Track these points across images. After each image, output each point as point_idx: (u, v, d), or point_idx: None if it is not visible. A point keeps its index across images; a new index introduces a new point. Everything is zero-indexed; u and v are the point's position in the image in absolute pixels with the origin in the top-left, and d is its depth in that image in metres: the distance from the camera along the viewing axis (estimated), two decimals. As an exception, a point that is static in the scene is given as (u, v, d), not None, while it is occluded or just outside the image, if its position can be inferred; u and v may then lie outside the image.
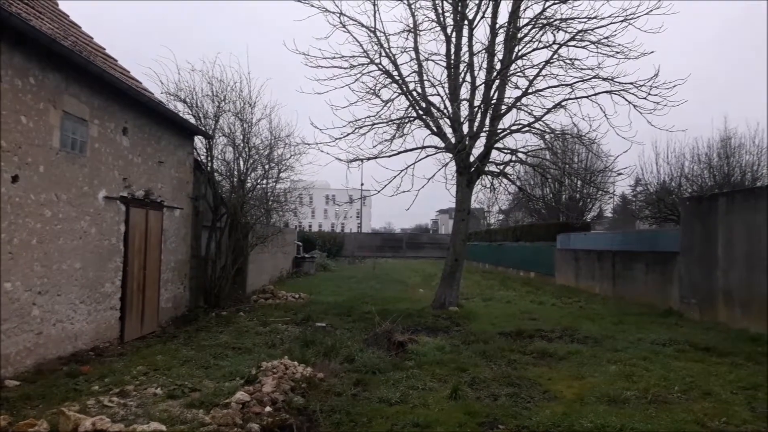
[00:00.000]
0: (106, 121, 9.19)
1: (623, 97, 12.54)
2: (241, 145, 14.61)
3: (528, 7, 13.55)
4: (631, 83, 12.41)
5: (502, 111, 13.94)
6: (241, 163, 14.70)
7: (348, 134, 13.32)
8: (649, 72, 12.12)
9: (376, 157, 13.73)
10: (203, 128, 13.84)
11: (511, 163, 14.90)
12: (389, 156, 13.90)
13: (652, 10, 11.93)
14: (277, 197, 18.43)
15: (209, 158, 14.27)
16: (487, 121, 13.97)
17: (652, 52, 12.55)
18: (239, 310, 13.43)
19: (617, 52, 12.60)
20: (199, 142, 14.17)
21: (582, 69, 12.93)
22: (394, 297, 16.85)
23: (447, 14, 13.72)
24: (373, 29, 13.50)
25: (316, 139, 13.51)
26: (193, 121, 13.76)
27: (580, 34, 12.78)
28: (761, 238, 11.05)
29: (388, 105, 13.70)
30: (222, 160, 15.03)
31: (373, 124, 13.54)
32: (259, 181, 15.83)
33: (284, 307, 14.22)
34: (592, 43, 12.72)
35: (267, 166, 15.69)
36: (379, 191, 13.65)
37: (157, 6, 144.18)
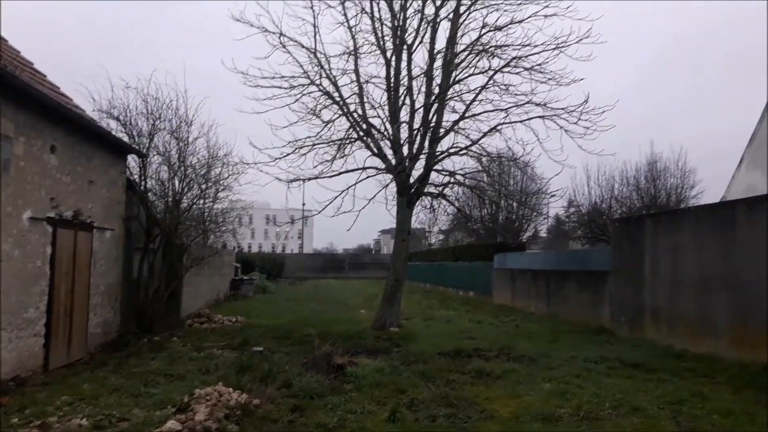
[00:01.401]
0: (32, 138, 8.78)
1: (555, 122, 13.03)
2: (177, 164, 14.26)
3: (465, 34, 13.95)
4: (562, 109, 12.91)
5: (441, 134, 14.21)
6: (177, 182, 14.34)
7: (288, 154, 13.25)
8: (580, 98, 12.67)
9: (316, 178, 13.69)
10: (137, 147, 13.45)
11: (450, 185, 15.18)
12: (330, 176, 13.89)
13: (581, 39, 12.50)
14: (215, 218, 18.04)
15: (143, 177, 13.86)
16: (427, 144, 14.20)
17: (582, 79, 13.13)
18: (173, 335, 12.97)
19: (549, 79, 13.13)
20: (132, 161, 13.76)
21: (516, 94, 13.39)
22: (335, 319, 16.70)
23: (387, 38, 13.95)
24: (313, 50, 13.57)
25: (256, 159, 13.27)
26: (126, 139, 13.35)
27: (515, 61, 13.23)
28: (684, 258, 11.63)
29: (328, 126, 13.74)
30: (157, 179, 14.65)
31: (314, 144, 13.52)
32: (195, 201, 15.48)
33: (220, 332, 13.84)
34: (526, 69, 13.20)
35: (204, 186, 15.37)
36: (319, 212, 13.60)
37: (89, 20, 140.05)
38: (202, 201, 16.09)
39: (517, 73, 13.35)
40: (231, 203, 19.80)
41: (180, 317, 15.69)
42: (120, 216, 12.49)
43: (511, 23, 13.27)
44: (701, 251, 11.17)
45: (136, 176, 13.82)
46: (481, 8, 13.61)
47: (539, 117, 13.21)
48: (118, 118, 13.61)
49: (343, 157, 13.89)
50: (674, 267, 11.94)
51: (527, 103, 13.26)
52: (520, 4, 13.15)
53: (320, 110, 13.62)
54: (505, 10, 13.33)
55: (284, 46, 13.35)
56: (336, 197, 13.22)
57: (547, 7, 12.77)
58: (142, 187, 13.74)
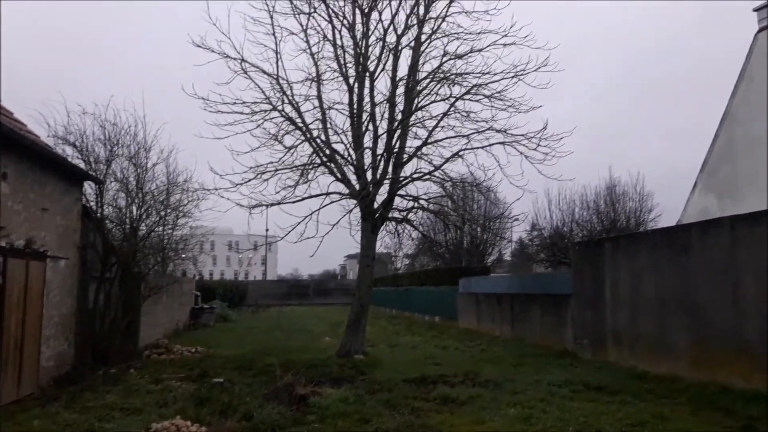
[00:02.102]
0: (-20, 165, 8.48)
1: (515, 148, 13.25)
2: (135, 190, 13.98)
3: (426, 62, 14.16)
4: (522, 135, 13.15)
5: (404, 159, 14.30)
6: (134, 209, 14.04)
7: (250, 180, 13.11)
8: (540, 125, 12.95)
9: (279, 203, 13.56)
10: (94, 173, 13.14)
11: (414, 210, 15.21)
12: (293, 202, 13.78)
13: (539, 67, 12.81)
14: (175, 245, 17.70)
15: (99, 205, 13.52)
16: (390, 169, 14.25)
17: (540, 106, 13.42)
18: (130, 367, 12.55)
19: (509, 106, 13.38)
20: (89, 187, 13.43)
21: (477, 121, 13.60)
22: (299, 347, 16.42)
23: (349, 65, 14.05)
24: (276, 77, 13.55)
25: (216, 185, 13.08)
26: (82, 165, 13.04)
27: (475, 89, 13.46)
28: (643, 280, 11.86)
29: (291, 151, 13.68)
30: (114, 206, 14.32)
31: (276, 169, 13.42)
32: (153, 228, 15.17)
33: (179, 363, 13.45)
34: (486, 97, 13.43)
35: (163, 213, 15.09)
36: (282, 238, 13.46)
37: (46, 43, 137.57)
38: (161, 228, 15.81)
39: (477, 101, 13.59)
40: (191, 230, 19.49)
41: (137, 348, 15.22)
42: (75, 244, 12.12)
43: (471, 52, 13.55)
44: (659, 274, 11.41)
45: (92, 203, 13.48)
46: (442, 37, 13.87)
47: (500, 143, 13.43)
48: (74, 144, 13.33)
49: (306, 182, 13.83)
50: (633, 289, 12.16)
51: (488, 129, 13.49)
52: (479, 33, 13.44)
53: (282, 136, 13.59)
54: (465, 39, 13.61)
55: (246, 72, 13.34)
56: (299, 223, 13.11)
57: (505, 36, 13.08)
58: (98, 215, 13.38)
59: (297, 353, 14.46)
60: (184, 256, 22.46)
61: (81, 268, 12.44)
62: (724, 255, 9.77)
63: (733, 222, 9.76)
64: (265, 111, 13.36)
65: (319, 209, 13.41)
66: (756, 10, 14.94)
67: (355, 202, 14.01)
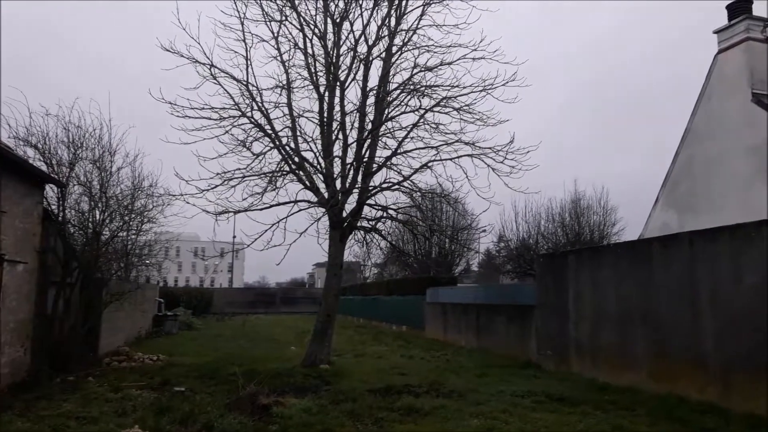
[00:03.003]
0: (-66, 165, 8.21)
1: (483, 161, 13.41)
2: (98, 194, 13.70)
3: (397, 73, 14.26)
4: (489, 148, 13.31)
5: (374, 169, 14.33)
6: (97, 213, 13.74)
7: (216, 186, 12.96)
8: (507, 138, 13.15)
9: (246, 210, 13.42)
10: (56, 176, 12.83)
11: (383, 219, 15.23)
12: (261, 209, 13.64)
13: (507, 82, 13.01)
14: (139, 251, 17.39)
15: (61, 208, 13.19)
16: (360, 178, 14.27)
17: (507, 120, 13.65)
18: (88, 375, 12.25)
19: (477, 119, 13.55)
20: (51, 191, 13.12)
21: (446, 133, 13.73)
22: (264, 356, 16.23)
23: (320, 74, 14.05)
24: (245, 83, 13.47)
25: (182, 191, 12.91)
26: (44, 168, 12.72)
27: (444, 101, 13.61)
28: (605, 292, 12.09)
29: (259, 158, 13.58)
30: (77, 210, 14.00)
31: (244, 176, 13.30)
32: (117, 233, 14.87)
33: (140, 371, 13.17)
34: (455, 109, 13.58)
35: (127, 218, 14.81)
36: (248, 245, 13.31)
37: (9, 43, 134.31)
38: (125, 233, 15.51)
39: (446, 113, 13.73)
40: (156, 235, 19.17)
41: (98, 355, 14.89)
42: (34, 248, 11.80)
43: (441, 64, 13.70)
44: (621, 286, 11.65)
45: (54, 207, 13.16)
46: (413, 49, 14.01)
47: (468, 155, 13.57)
48: (36, 146, 12.98)
49: (274, 189, 13.73)
50: (596, 302, 12.38)
51: (456, 141, 13.61)
52: (449, 46, 13.60)
53: (251, 143, 13.49)
54: (435, 52, 13.77)
55: (215, 78, 13.21)
56: (266, 231, 12.99)
57: (475, 50, 13.26)
58: (60, 218, 13.06)
59: (261, 362, 14.30)
60: (148, 262, 22.09)
61: (40, 273, 12.12)
62: (682, 269, 10.04)
63: (692, 237, 10.04)
64: (234, 117, 13.27)
65: (286, 217, 13.33)
66: (716, 32, 15.46)
67: (323, 210, 13.98)
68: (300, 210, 13.85)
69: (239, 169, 13.27)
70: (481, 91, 13.28)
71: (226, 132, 13.20)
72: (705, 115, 15.74)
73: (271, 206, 13.63)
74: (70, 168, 13.31)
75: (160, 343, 20.61)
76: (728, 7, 15.27)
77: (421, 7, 14.00)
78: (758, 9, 15.07)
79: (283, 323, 34.49)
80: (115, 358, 14.97)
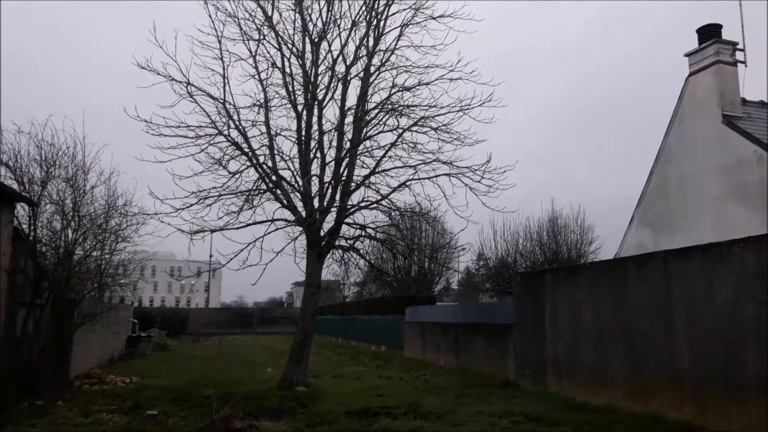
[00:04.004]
0: None
1: (460, 180, 13.48)
2: (71, 213, 13.45)
3: (375, 93, 14.33)
4: (467, 167, 13.40)
5: (352, 188, 14.31)
6: (70, 233, 13.49)
7: (191, 205, 12.81)
8: (484, 157, 13.26)
9: (222, 229, 13.26)
10: (27, 194, 12.60)
11: (361, 238, 15.18)
12: (237, 228, 13.49)
13: (484, 103, 13.15)
14: (113, 270, 17.08)
15: (32, 227, 12.93)
16: (338, 197, 14.22)
17: (485, 140, 13.75)
18: (58, 399, 11.91)
19: (455, 139, 13.67)
20: (22, 209, 12.85)
21: (424, 152, 13.80)
22: (239, 378, 15.95)
23: (298, 93, 14.06)
24: (222, 101, 13.40)
25: (157, 209, 12.73)
26: (16, 186, 12.49)
27: (422, 121, 13.70)
28: (582, 311, 12.13)
29: (236, 177, 13.48)
30: (48, 229, 13.73)
31: (220, 195, 13.18)
32: (90, 252, 14.60)
33: (111, 394, 12.85)
34: (433, 129, 13.68)
35: (100, 237, 14.56)
36: (223, 265, 13.15)
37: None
38: (98, 252, 15.23)
39: (424, 132, 13.82)
40: (131, 255, 18.87)
41: (68, 378, 14.50)
42: (3, 269, 11.50)
43: (419, 85, 13.80)
44: (597, 305, 11.71)
45: (25, 226, 12.89)
46: (391, 69, 14.10)
47: (446, 175, 13.63)
48: (6, 164, 12.78)
49: (251, 208, 13.62)
50: (573, 321, 12.41)
51: (434, 161, 13.69)
52: (427, 67, 13.73)
53: (227, 161, 13.39)
54: (413, 72, 13.88)
55: (191, 96, 13.13)
56: (241, 250, 12.83)
57: (452, 71, 13.40)
58: (31, 238, 12.80)
59: (237, 384, 14.04)
60: (122, 281, 21.69)
61: (9, 294, 11.80)
62: (657, 288, 10.12)
63: (666, 256, 10.15)
64: (210, 135, 13.17)
65: (263, 236, 13.20)
66: (687, 55, 15.82)
67: (300, 229, 13.88)
68: (277, 229, 13.75)
69: (215, 187, 13.16)
70: (458, 111, 13.40)
71: (202, 150, 13.10)
72: (678, 135, 16.04)
73: (248, 225, 13.51)
74: (42, 186, 13.09)
75: (133, 365, 20.18)
76: (698, 31, 15.65)
77: (399, 28, 14.16)
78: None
79: (260, 344, 34.02)
80: (86, 381, 14.59)
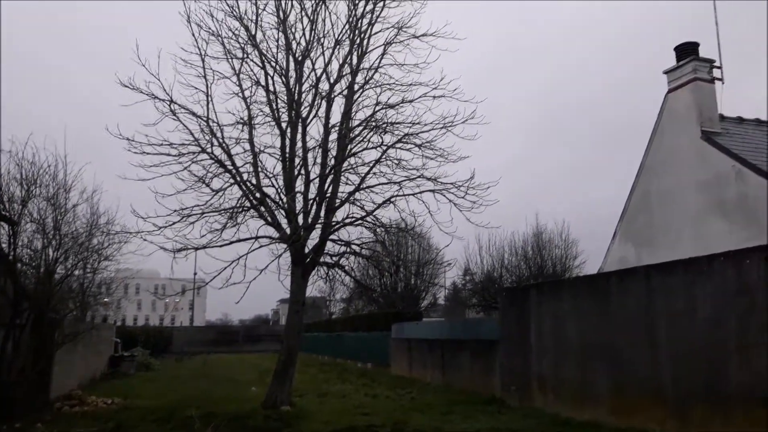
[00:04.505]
0: None
1: (445, 196, 13.51)
2: (52, 232, 13.31)
3: (359, 110, 14.38)
4: (451, 183, 13.44)
5: (336, 204, 14.31)
6: (51, 252, 13.33)
7: (174, 223, 12.71)
8: (468, 173, 13.36)
9: (205, 247, 13.16)
10: (7, 213, 12.46)
11: (346, 255, 15.14)
12: (220, 246, 13.40)
13: (467, 120, 13.24)
14: (96, 289, 16.90)
15: (12, 246, 12.76)
16: (322, 214, 14.20)
17: (468, 156, 13.84)
18: (37, 421, 11.68)
19: (439, 155, 13.71)
20: (2, 228, 12.70)
21: (408, 169, 13.83)
22: (224, 397, 15.76)
23: (282, 110, 14.07)
24: (206, 119, 13.38)
25: (140, 227, 12.63)
26: (-5, 205, 12.35)
27: (406, 137, 13.74)
28: (566, 327, 12.17)
29: (219, 194, 13.42)
30: (29, 248, 13.55)
31: (203, 212, 13.09)
32: (71, 272, 14.43)
33: (93, 415, 12.63)
34: (417, 146, 13.73)
35: (81, 256, 14.41)
36: (206, 283, 13.03)
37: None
38: (80, 271, 15.08)
39: (408, 149, 13.85)
40: (115, 273, 18.69)
41: (49, 400, 14.23)
42: (-19, 289, 11.33)
43: (402, 102, 13.87)
44: (581, 320, 11.75)
45: (5, 245, 12.73)
46: (375, 87, 14.18)
47: (430, 191, 13.67)
48: (-15, 183, 12.62)
49: (235, 225, 13.55)
50: (557, 336, 12.44)
51: (419, 177, 13.72)
52: (410, 85, 13.82)
53: (211, 179, 13.33)
54: (396, 90, 13.96)
55: (175, 114, 13.09)
56: (225, 268, 12.72)
57: (435, 88, 13.49)
58: (11, 257, 12.63)
59: (220, 404, 13.87)
60: (106, 300, 21.43)
61: (-14, 315, 11.62)
62: (640, 303, 10.19)
63: (648, 271, 10.24)
64: (194, 153, 13.12)
65: (247, 254, 13.12)
66: (666, 72, 16.10)
67: (285, 246, 13.82)
68: (261, 246, 13.67)
69: (198, 205, 13.08)
70: (441, 128, 13.49)
71: (185, 168, 13.04)
72: (658, 150, 16.25)
73: (232, 243, 13.43)
74: (23, 205, 12.94)
75: (116, 385, 19.88)
76: (676, 49, 15.94)
77: (383, 47, 14.24)
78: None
79: (245, 362, 33.69)
80: (67, 403, 14.35)
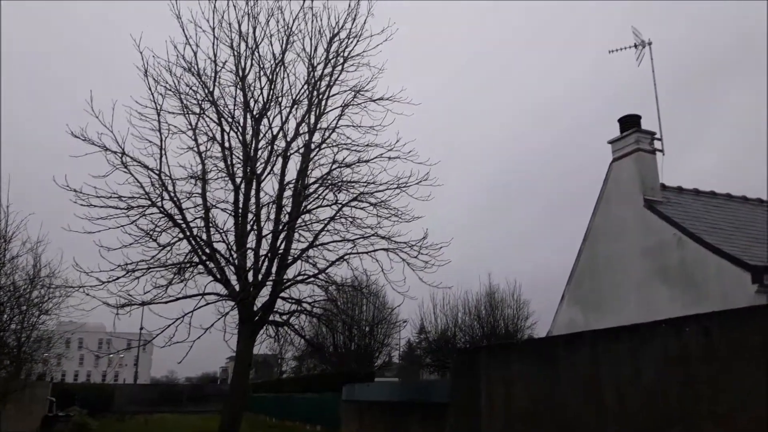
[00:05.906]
0: None
1: (398, 255, 13.59)
2: (-13, 285, 12.72)
3: (315, 168, 14.50)
4: (405, 243, 13.55)
5: (289, 261, 14.16)
6: (-16, 306, 12.69)
7: (118, 278, 12.32)
8: (422, 233, 13.53)
9: (150, 303, 12.75)
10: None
11: (296, 313, 14.90)
12: (166, 302, 13.02)
13: (421, 181, 13.51)
14: (35, 344, 16.10)
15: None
16: (274, 270, 14.01)
17: (421, 217, 14.02)
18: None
19: (393, 215, 13.88)
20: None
21: (363, 227, 13.94)
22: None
23: (237, 166, 14.06)
24: (158, 172, 13.23)
25: (82, 281, 12.20)
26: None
27: (361, 196, 13.91)
28: (515, 390, 12.08)
29: (167, 249, 13.12)
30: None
31: (149, 267, 12.75)
32: (7, 326, 13.74)
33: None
34: (372, 204, 13.88)
35: (18, 310, 13.76)
36: (148, 341, 12.59)
37: None
38: (17, 326, 14.39)
39: (363, 208, 14.00)
40: (58, 326, 17.89)
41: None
42: None
43: (358, 162, 14.10)
44: (530, 384, 11.67)
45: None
46: (332, 146, 14.37)
47: (384, 249, 13.74)
48: None
49: (182, 281, 13.21)
50: (507, 399, 12.31)
51: (373, 235, 13.81)
52: (367, 145, 14.08)
53: (159, 234, 13.06)
54: (353, 150, 14.19)
55: (126, 166, 12.91)
56: (168, 326, 12.32)
57: (390, 150, 13.77)
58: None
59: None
60: (45, 355, 20.39)
61: None
62: (587, 369, 10.22)
63: (594, 337, 10.33)
64: (143, 207, 12.89)
65: (192, 311, 12.76)
66: (610, 142, 16.84)
67: (232, 304, 13.50)
68: (208, 303, 13.33)
69: (144, 260, 12.74)
70: (396, 188, 13.69)
71: (133, 222, 12.76)
72: (603, 217, 16.78)
73: (177, 299, 13.07)
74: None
75: (46, 448, 18.64)
76: (620, 121, 16.75)
77: (340, 108, 14.55)
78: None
79: (189, 423, 32.25)
80: (-12, 469, 13.33)
